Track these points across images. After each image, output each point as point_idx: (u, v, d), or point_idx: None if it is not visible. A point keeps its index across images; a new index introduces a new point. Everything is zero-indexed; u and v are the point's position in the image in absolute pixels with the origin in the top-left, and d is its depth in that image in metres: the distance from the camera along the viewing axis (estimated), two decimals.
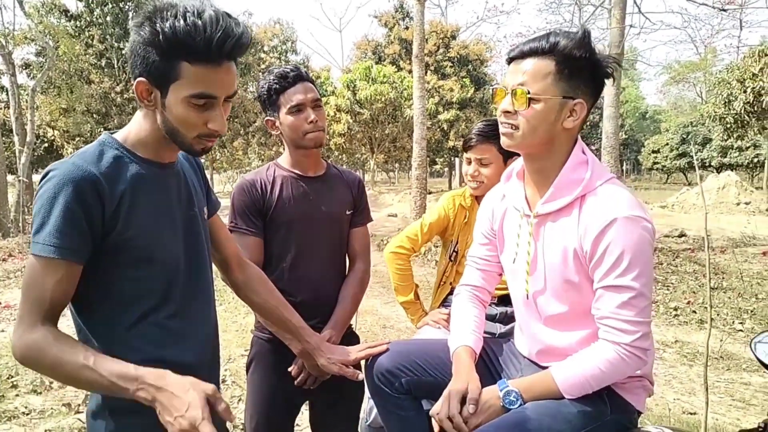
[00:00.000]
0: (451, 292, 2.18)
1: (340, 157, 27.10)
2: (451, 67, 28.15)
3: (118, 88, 20.27)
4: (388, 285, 4.23)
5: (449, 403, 1.30)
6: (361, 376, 1.56)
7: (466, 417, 1.29)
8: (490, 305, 1.86)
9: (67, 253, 1.01)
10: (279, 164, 1.84)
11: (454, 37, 29.20)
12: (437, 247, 8.07)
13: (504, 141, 1.35)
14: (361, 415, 1.97)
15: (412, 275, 2.30)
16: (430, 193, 15.69)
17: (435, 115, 25.14)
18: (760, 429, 1.37)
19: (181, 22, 0.99)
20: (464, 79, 27.31)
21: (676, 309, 5.70)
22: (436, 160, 33.19)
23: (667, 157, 33.91)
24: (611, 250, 1.22)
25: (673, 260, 8.47)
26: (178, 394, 0.97)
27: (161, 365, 1.03)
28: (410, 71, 18.07)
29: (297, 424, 1.94)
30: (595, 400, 1.29)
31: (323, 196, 1.82)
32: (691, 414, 3.29)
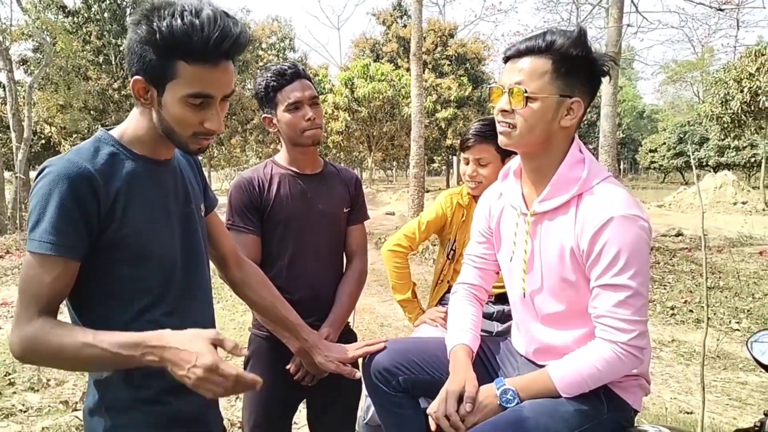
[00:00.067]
0: (448, 291, 2.18)
1: (337, 155, 27.09)
2: (448, 65, 28.16)
3: (115, 85, 20.24)
4: (386, 283, 4.23)
5: (446, 401, 1.31)
6: (359, 374, 1.57)
7: (463, 415, 1.29)
8: (487, 303, 1.86)
9: (63, 249, 1.00)
10: (276, 162, 1.83)
11: (452, 36, 29.23)
12: (435, 245, 8.06)
13: (501, 140, 1.35)
14: (359, 413, 1.97)
15: (409, 273, 2.30)
16: (427, 191, 15.67)
17: (433, 113, 25.09)
18: (757, 428, 1.37)
19: (179, 21, 0.98)
20: (462, 78, 27.33)
21: (672, 308, 5.71)
22: (434, 158, 33.19)
23: (664, 156, 33.98)
24: (608, 248, 1.22)
25: (670, 259, 8.49)
26: (183, 347, 0.97)
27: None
28: (408, 69, 18.06)
29: (295, 422, 1.94)
30: (591, 399, 1.29)
31: (320, 194, 1.81)
32: (687, 413, 3.30)
